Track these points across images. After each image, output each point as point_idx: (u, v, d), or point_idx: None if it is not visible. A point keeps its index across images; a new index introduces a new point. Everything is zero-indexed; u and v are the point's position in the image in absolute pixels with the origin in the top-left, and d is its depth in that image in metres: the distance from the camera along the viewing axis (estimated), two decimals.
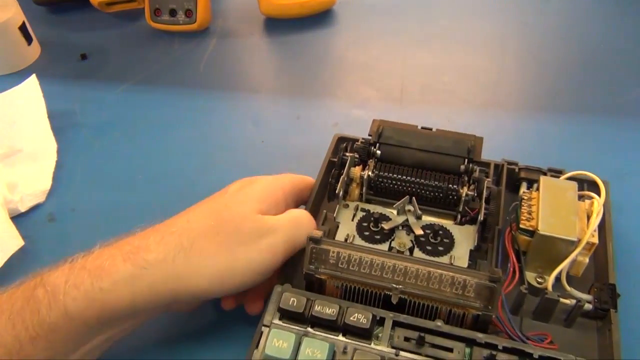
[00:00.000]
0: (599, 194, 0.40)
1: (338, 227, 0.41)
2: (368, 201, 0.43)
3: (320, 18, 0.72)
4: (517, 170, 0.45)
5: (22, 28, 0.67)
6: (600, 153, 0.50)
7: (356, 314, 0.33)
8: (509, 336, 0.35)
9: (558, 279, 0.38)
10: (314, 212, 0.42)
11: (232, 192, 0.38)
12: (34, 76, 0.61)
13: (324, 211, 0.41)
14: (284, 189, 0.39)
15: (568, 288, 0.38)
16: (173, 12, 0.70)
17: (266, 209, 0.37)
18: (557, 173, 0.44)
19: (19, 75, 0.67)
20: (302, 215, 0.38)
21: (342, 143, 0.45)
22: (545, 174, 0.44)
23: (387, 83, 0.62)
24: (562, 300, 0.36)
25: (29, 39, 0.69)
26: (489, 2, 0.73)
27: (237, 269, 0.34)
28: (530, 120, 0.55)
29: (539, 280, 0.39)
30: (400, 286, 0.34)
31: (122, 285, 0.32)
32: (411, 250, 0.39)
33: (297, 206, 0.42)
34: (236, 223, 0.35)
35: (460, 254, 0.38)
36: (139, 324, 0.36)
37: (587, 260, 0.38)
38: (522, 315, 0.38)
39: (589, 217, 0.39)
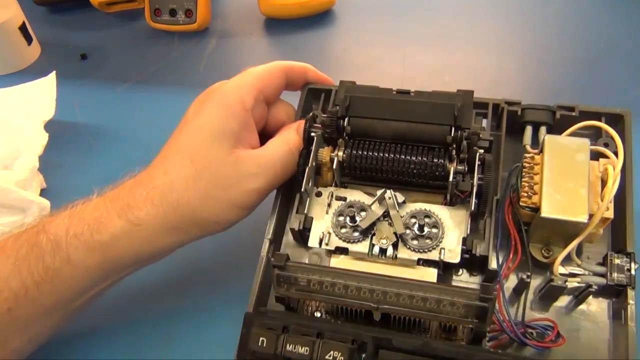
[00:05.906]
0: (615, 150, 0.33)
1: (312, 222, 0.36)
2: (343, 185, 0.38)
3: (320, 18, 0.72)
4: (519, 112, 0.37)
5: (22, 28, 0.67)
6: None
7: (332, 352, 0.30)
8: (508, 337, 0.33)
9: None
10: (287, 191, 0.39)
11: (197, 125, 0.37)
12: (53, 74, 0.59)
13: (296, 201, 0.37)
14: (243, 102, 0.37)
15: (578, 261, 0.33)
16: (173, 12, 0.70)
17: (238, 139, 0.36)
18: (568, 111, 0.37)
19: (19, 75, 0.67)
20: (282, 150, 0.37)
21: (313, 97, 0.42)
22: (554, 112, 0.37)
23: (387, 83, 0.61)
24: (570, 284, 0.32)
25: (29, 39, 0.69)
26: (489, 1, 0.72)
27: (224, 214, 0.36)
28: None
29: (545, 254, 0.34)
30: (381, 305, 0.31)
31: (122, 239, 0.34)
32: (395, 245, 0.34)
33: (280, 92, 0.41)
34: (215, 168, 0.35)
35: (452, 246, 0.34)
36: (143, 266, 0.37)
37: (601, 231, 0.33)
38: (525, 302, 0.34)
39: (603, 183, 0.32)
